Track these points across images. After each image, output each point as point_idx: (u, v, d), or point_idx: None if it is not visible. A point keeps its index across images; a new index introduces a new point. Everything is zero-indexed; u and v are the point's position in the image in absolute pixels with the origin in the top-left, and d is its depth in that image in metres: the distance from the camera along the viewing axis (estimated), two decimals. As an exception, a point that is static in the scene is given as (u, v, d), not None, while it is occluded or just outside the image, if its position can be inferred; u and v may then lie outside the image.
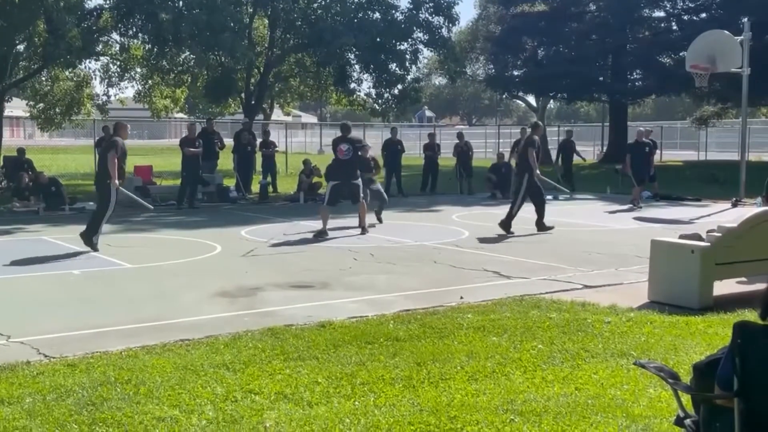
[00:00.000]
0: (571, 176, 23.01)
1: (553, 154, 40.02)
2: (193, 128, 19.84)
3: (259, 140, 23.37)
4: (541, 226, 14.22)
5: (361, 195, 14.11)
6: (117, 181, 11.85)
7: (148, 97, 30.39)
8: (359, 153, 14.19)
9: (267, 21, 28.98)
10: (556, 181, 17.78)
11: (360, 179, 14.09)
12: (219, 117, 37.57)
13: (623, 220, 16.71)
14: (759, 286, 8.49)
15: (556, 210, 18.81)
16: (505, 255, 11.63)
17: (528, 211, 14.26)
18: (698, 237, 8.79)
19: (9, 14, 20.94)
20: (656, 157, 22.21)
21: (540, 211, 14.28)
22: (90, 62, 28.50)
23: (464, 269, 10.47)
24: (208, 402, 5.20)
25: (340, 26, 24.40)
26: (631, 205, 18.85)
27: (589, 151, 43.03)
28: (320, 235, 13.55)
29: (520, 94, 43.69)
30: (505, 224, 14.01)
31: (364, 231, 14.06)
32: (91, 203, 18.76)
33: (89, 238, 11.76)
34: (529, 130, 15.54)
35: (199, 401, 5.21)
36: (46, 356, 6.31)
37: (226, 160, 23.79)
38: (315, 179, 21.02)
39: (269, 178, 22.59)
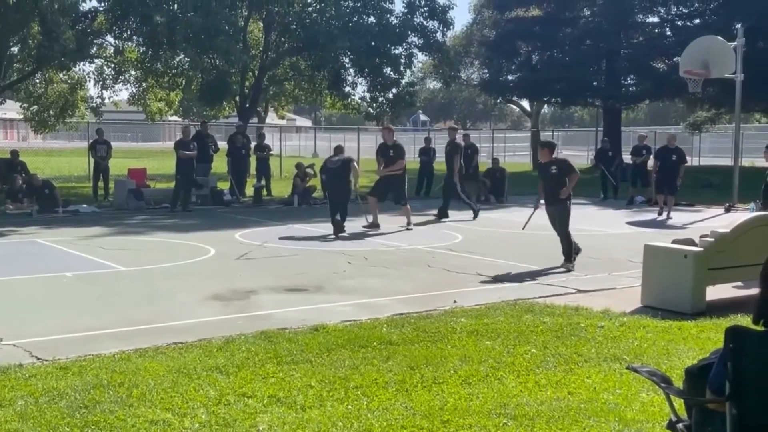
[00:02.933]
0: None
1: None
2: (188, 131, 19.84)
3: (253, 143, 23.36)
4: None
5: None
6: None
7: (142, 99, 30.31)
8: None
9: (262, 24, 29.00)
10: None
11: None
12: (213, 120, 37.58)
13: (617, 224, 16.74)
14: (751, 291, 8.55)
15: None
16: (499, 259, 11.64)
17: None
18: (691, 242, 8.82)
19: (3, 16, 20.87)
20: (649, 162, 21.98)
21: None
22: (84, 65, 28.39)
23: (458, 273, 10.48)
24: (201, 405, 5.19)
25: (335, 30, 24.43)
26: (663, 216, 17.79)
27: (582, 156, 43.16)
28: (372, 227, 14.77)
29: (515, 98, 43.74)
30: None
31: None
32: (85, 206, 18.78)
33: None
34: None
35: (192, 404, 5.21)
36: (38, 359, 6.29)
37: (220, 163, 23.76)
38: (310, 182, 21.01)
39: (263, 181, 22.58)
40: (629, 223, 16.93)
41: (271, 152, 24.22)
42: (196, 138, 20.00)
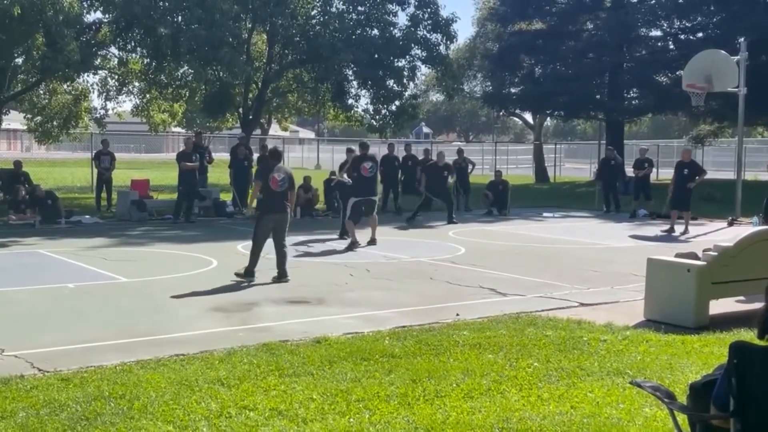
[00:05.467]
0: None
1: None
2: (190, 142, 19.86)
3: (256, 155, 23.37)
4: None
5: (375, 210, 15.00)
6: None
7: (145, 111, 30.33)
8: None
9: (265, 37, 29.04)
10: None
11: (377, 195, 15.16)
12: (216, 131, 37.61)
13: (619, 237, 16.71)
14: (755, 306, 8.53)
15: (554, 228, 18.82)
16: (501, 272, 11.62)
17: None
18: (694, 256, 8.80)
19: (8, 27, 20.91)
20: (653, 175, 21.99)
21: None
22: (88, 76, 28.42)
23: (460, 286, 10.46)
24: (203, 418, 5.18)
25: (339, 42, 24.47)
26: (676, 233, 17.14)
27: (585, 169, 43.20)
28: (352, 247, 14.06)
29: (517, 111, 43.81)
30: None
31: (373, 242, 14.56)
32: (88, 216, 18.79)
33: None
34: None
35: (194, 417, 5.19)
36: (40, 370, 6.28)
37: (222, 175, 23.75)
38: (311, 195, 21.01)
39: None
40: (632, 237, 16.90)
41: (274, 164, 24.18)
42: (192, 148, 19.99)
